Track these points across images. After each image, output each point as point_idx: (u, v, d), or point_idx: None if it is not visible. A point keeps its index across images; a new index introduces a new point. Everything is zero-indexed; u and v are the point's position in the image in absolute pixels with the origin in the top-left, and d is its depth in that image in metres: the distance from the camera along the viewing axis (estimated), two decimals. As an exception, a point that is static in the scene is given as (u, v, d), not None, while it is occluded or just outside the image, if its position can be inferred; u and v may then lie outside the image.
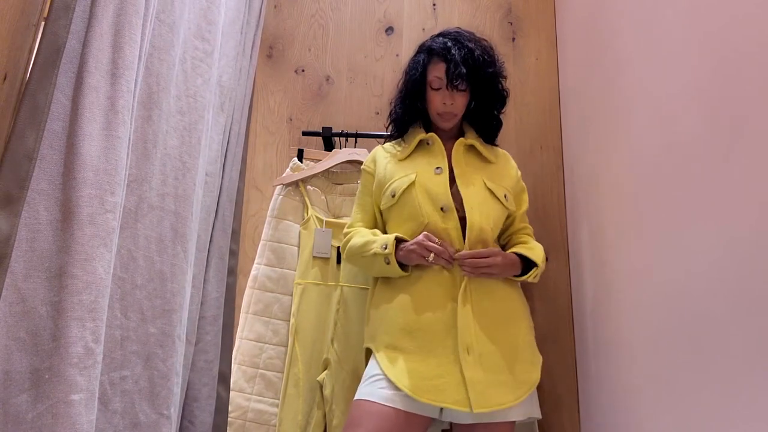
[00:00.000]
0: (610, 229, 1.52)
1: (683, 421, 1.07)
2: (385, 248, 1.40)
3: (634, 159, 1.36)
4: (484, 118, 1.59)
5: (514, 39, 2.11)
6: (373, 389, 1.30)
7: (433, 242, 1.37)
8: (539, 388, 1.75)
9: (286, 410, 1.59)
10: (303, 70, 2.08)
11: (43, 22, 0.99)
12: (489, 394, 1.25)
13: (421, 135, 1.56)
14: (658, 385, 1.18)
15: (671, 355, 1.13)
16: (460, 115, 1.55)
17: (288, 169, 1.87)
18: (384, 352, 1.35)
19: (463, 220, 1.42)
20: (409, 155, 1.55)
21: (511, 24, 2.13)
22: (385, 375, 1.30)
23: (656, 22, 1.27)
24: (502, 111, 1.61)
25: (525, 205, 1.62)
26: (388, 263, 1.40)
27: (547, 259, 1.89)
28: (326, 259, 1.73)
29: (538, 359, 1.40)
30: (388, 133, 1.65)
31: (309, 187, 1.82)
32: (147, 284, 1.14)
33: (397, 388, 1.27)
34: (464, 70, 1.46)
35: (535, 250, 1.48)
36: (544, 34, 2.11)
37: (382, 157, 1.59)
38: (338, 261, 1.71)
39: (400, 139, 1.61)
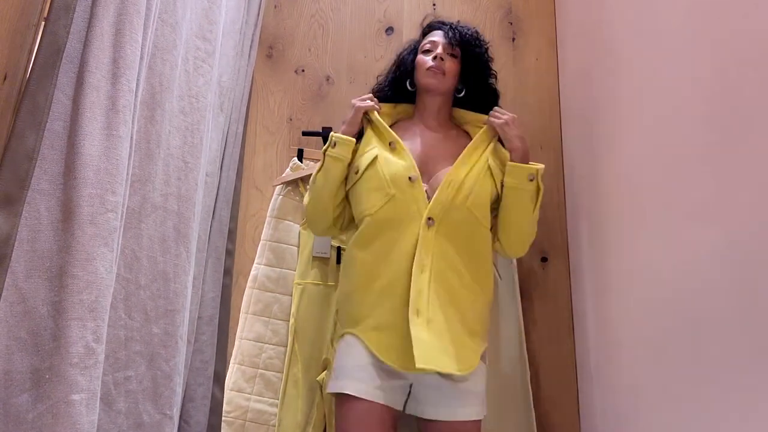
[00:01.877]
0: (610, 229, 1.52)
1: (683, 421, 1.07)
2: (332, 144, 1.47)
3: (634, 159, 1.36)
4: (476, 107, 1.57)
5: (514, 39, 2.11)
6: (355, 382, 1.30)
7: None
8: (539, 388, 1.76)
9: (285, 410, 1.59)
10: (303, 70, 2.08)
11: (43, 22, 0.99)
12: (433, 355, 1.24)
13: (403, 116, 1.57)
14: (658, 385, 1.18)
15: (671, 355, 1.13)
16: (450, 79, 1.51)
17: (288, 169, 1.87)
18: (357, 331, 1.34)
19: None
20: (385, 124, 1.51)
21: (511, 24, 2.13)
22: (367, 350, 1.30)
23: (656, 22, 1.27)
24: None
25: None
26: (334, 145, 1.45)
27: (546, 259, 1.89)
28: (326, 259, 1.73)
29: (481, 348, 1.37)
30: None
31: (308, 186, 1.82)
32: (151, 284, 1.14)
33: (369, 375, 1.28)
34: (463, 33, 1.52)
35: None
36: (544, 34, 2.11)
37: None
38: (338, 261, 1.71)
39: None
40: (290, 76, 2.07)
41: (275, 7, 2.14)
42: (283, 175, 1.85)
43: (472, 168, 1.42)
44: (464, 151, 1.44)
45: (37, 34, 1.02)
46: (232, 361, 1.67)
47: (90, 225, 0.91)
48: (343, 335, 1.38)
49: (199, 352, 1.40)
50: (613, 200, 1.50)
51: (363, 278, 1.37)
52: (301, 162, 1.86)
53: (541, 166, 1.44)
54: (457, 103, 1.58)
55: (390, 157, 1.42)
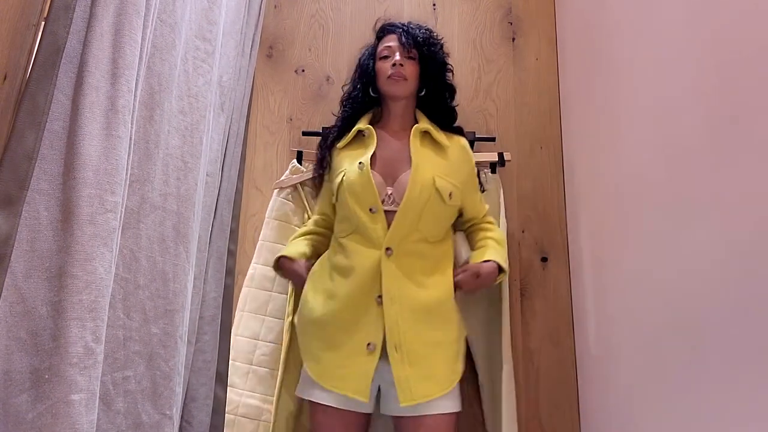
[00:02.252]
0: (610, 229, 1.52)
1: (683, 421, 1.07)
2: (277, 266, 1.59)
3: (634, 159, 1.36)
4: (437, 104, 1.60)
5: (514, 39, 2.11)
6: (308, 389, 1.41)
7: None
8: (539, 388, 1.76)
9: (280, 410, 1.60)
10: (303, 70, 2.08)
11: (43, 22, 0.99)
12: (416, 389, 1.30)
13: (362, 125, 1.56)
14: (657, 385, 1.18)
15: (671, 356, 1.13)
16: (411, 83, 1.54)
17: (287, 171, 1.87)
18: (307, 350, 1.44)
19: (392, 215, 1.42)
20: (346, 144, 1.57)
21: (511, 24, 2.13)
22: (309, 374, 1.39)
23: (656, 22, 1.27)
24: (453, 103, 1.63)
25: (477, 194, 1.62)
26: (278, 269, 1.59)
27: (546, 259, 1.89)
28: None
29: (461, 353, 1.44)
30: (338, 119, 1.65)
31: (307, 188, 1.83)
32: (149, 284, 1.14)
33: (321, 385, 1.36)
34: (416, 35, 1.54)
35: (502, 253, 1.52)
36: (544, 34, 2.11)
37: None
38: None
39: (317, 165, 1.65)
40: (290, 76, 2.07)
41: (275, 7, 2.14)
42: (282, 178, 1.86)
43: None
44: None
45: (37, 34, 1.02)
46: None
47: (89, 225, 0.91)
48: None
49: (201, 352, 1.40)
50: (613, 200, 1.50)
51: (315, 307, 1.44)
52: (301, 164, 1.87)
53: (503, 277, 1.54)
54: (419, 101, 1.61)
55: (353, 183, 1.46)
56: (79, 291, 0.88)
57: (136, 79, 1.04)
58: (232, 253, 1.59)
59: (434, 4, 2.15)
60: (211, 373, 1.43)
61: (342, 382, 1.32)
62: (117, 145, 0.97)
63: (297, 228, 1.81)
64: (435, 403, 1.32)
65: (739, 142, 0.93)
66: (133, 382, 1.08)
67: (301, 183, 1.83)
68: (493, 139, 1.92)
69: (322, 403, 1.35)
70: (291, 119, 2.03)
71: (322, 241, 1.62)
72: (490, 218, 1.65)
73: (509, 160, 1.86)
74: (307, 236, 1.62)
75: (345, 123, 1.60)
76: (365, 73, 1.60)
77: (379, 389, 1.40)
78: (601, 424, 1.54)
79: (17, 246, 0.86)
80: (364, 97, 1.60)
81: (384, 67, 1.54)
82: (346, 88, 1.67)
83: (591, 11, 1.74)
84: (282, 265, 1.56)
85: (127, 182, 1.04)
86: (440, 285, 1.43)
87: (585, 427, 1.68)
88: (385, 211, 1.42)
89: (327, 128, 1.88)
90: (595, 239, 1.63)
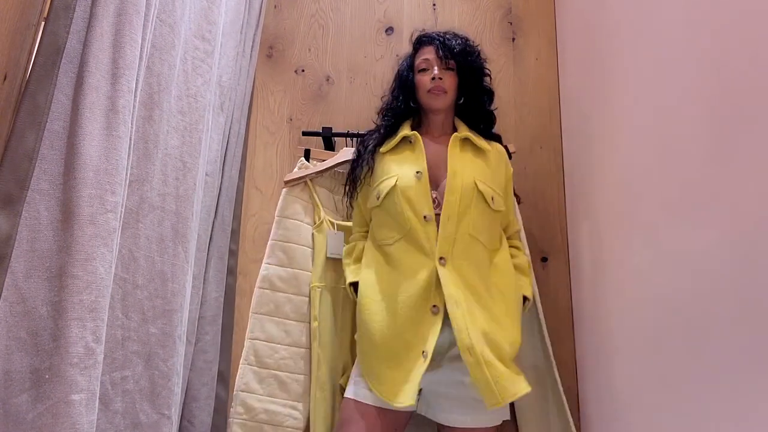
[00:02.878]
0: (610, 229, 1.52)
1: (683, 421, 1.07)
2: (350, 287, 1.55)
3: (634, 159, 1.36)
4: (475, 110, 1.60)
5: (514, 39, 2.11)
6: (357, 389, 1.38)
7: None
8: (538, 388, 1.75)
9: (316, 414, 1.57)
10: (303, 70, 2.08)
11: (43, 22, 0.99)
12: (505, 389, 1.27)
13: (406, 131, 1.55)
14: (658, 386, 1.18)
15: (671, 356, 1.13)
16: (451, 94, 1.55)
17: (296, 169, 1.86)
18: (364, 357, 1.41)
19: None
20: (391, 149, 1.55)
21: (511, 24, 2.13)
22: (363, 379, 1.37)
23: (656, 21, 1.27)
24: (493, 107, 1.63)
25: (512, 204, 1.62)
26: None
27: (546, 259, 1.89)
28: (341, 261, 1.72)
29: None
30: (380, 126, 1.62)
31: (318, 187, 1.81)
32: (148, 284, 1.14)
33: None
34: (453, 47, 1.54)
35: (526, 281, 1.52)
36: (544, 34, 2.11)
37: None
38: None
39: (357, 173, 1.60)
40: (290, 76, 2.07)
41: (275, 7, 2.14)
42: (294, 171, 1.84)
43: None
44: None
45: (37, 34, 1.02)
46: (242, 362, 1.65)
47: (90, 225, 0.91)
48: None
49: (202, 352, 1.40)
50: (612, 200, 1.50)
51: (368, 320, 1.42)
52: (308, 162, 1.85)
53: (528, 305, 1.51)
54: (458, 108, 1.62)
55: (408, 190, 1.45)
56: (80, 291, 0.88)
57: (136, 79, 1.04)
58: (233, 253, 1.59)
59: (434, 4, 2.15)
60: (213, 373, 1.43)
61: (403, 396, 1.30)
62: (117, 145, 0.97)
63: (309, 226, 1.79)
64: (475, 416, 1.33)
65: (739, 142, 0.93)
66: (132, 382, 1.08)
67: (311, 180, 1.81)
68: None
69: (371, 403, 1.34)
70: (291, 119, 2.02)
71: None
72: (518, 241, 1.62)
73: (514, 152, 1.84)
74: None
75: (387, 131, 1.59)
76: (405, 85, 1.59)
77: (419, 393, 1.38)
78: (601, 425, 1.54)
79: (17, 246, 0.86)
80: (405, 108, 1.59)
81: (423, 81, 1.54)
82: (385, 99, 1.66)
83: (591, 11, 1.74)
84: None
85: (126, 182, 1.04)
86: (503, 291, 1.42)
87: (585, 427, 1.67)
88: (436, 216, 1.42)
89: (327, 128, 1.88)
90: (595, 239, 1.63)
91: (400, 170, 1.48)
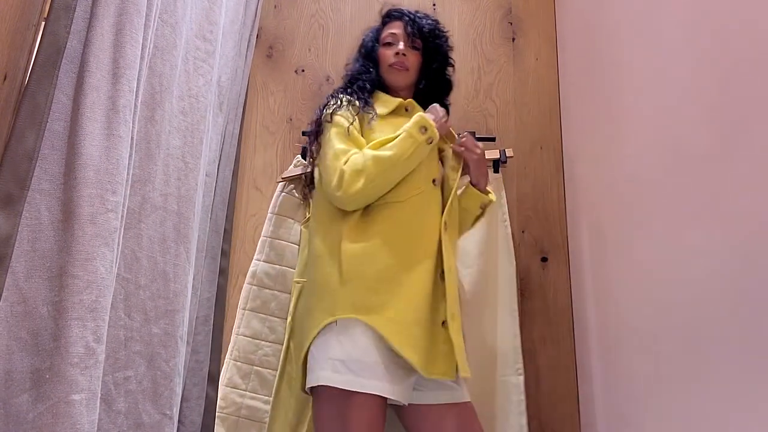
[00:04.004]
0: (610, 229, 1.52)
1: (683, 421, 1.07)
2: (425, 130, 1.33)
3: (634, 159, 1.36)
4: (432, 99, 1.53)
5: (514, 39, 2.11)
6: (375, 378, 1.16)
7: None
8: (539, 388, 1.76)
9: (277, 409, 1.56)
10: (303, 70, 2.08)
11: (43, 22, 0.99)
12: (464, 362, 1.24)
13: (399, 100, 1.46)
14: (657, 385, 1.18)
15: (671, 356, 1.13)
16: (412, 73, 1.49)
17: (291, 166, 1.87)
18: (381, 321, 1.18)
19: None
20: (386, 116, 1.44)
21: (511, 24, 2.13)
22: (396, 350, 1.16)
23: (656, 21, 1.27)
24: (448, 100, 1.59)
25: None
26: (430, 143, 1.34)
27: (546, 259, 1.89)
28: None
29: None
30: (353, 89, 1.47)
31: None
32: (150, 284, 1.14)
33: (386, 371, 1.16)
34: (422, 26, 1.50)
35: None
36: (544, 34, 2.11)
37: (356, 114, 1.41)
38: None
39: (358, 104, 1.42)
40: (290, 76, 2.07)
41: (275, 7, 2.14)
42: (290, 168, 1.84)
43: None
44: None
45: (37, 34, 1.02)
46: (227, 356, 1.66)
47: (90, 225, 0.91)
48: (336, 321, 1.19)
49: (195, 352, 1.40)
50: (613, 200, 1.50)
51: (382, 263, 1.24)
52: (305, 160, 1.86)
53: (493, 198, 1.50)
54: (416, 92, 1.55)
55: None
56: (80, 291, 0.88)
57: (138, 79, 1.04)
58: (225, 254, 1.59)
59: (434, 4, 2.15)
60: (204, 373, 1.43)
61: (434, 366, 1.19)
62: (118, 144, 0.97)
63: (299, 224, 1.78)
64: (463, 392, 1.28)
65: (739, 142, 0.93)
66: (134, 382, 1.08)
67: (306, 176, 1.81)
68: (493, 139, 1.92)
69: (382, 395, 1.15)
70: (291, 119, 2.02)
71: None
72: None
73: (511, 156, 1.84)
74: None
75: (366, 94, 1.46)
76: (369, 56, 1.54)
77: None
78: (601, 424, 1.54)
79: (18, 246, 0.86)
80: (376, 77, 1.51)
81: (387, 54, 1.49)
82: (349, 67, 1.59)
83: (591, 11, 1.74)
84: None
85: (129, 182, 1.04)
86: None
87: (585, 427, 1.68)
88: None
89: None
90: (595, 239, 1.63)
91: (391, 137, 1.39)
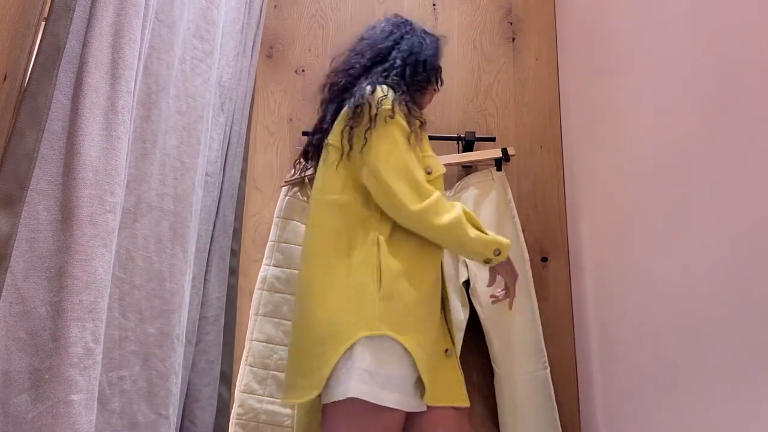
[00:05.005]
0: (610, 229, 1.52)
1: (683, 421, 1.07)
2: (498, 254, 1.30)
3: (634, 159, 1.36)
4: None
5: (514, 39, 2.11)
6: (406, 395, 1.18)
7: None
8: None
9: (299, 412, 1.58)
10: (303, 70, 2.08)
11: (43, 22, 0.99)
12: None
13: (422, 116, 1.39)
14: (657, 385, 1.18)
15: (671, 355, 1.13)
16: None
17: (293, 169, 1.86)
18: (417, 350, 1.18)
19: None
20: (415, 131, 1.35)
21: (511, 24, 2.13)
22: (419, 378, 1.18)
23: (656, 21, 1.27)
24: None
25: None
26: (485, 262, 1.32)
27: (546, 259, 1.89)
28: None
29: None
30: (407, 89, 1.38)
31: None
32: (145, 284, 1.14)
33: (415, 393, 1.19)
34: None
35: None
36: (544, 34, 2.11)
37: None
38: None
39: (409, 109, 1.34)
40: (290, 76, 2.07)
41: (275, 7, 2.14)
42: (292, 172, 1.84)
43: None
44: None
45: (37, 34, 1.02)
46: (242, 362, 1.66)
47: (89, 225, 0.91)
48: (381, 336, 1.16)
49: (204, 353, 1.40)
50: (613, 200, 1.50)
51: (421, 286, 1.24)
52: (306, 161, 1.85)
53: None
54: None
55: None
56: (79, 291, 0.88)
57: (134, 79, 1.04)
58: (235, 253, 1.59)
59: (434, 4, 2.15)
60: (215, 373, 1.43)
61: (435, 396, 1.21)
62: (116, 145, 0.97)
63: (305, 225, 1.78)
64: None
65: (738, 142, 0.93)
66: (129, 382, 1.08)
67: (309, 179, 1.81)
68: (493, 139, 1.91)
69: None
70: (291, 119, 2.02)
71: None
72: None
73: (513, 155, 1.84)
74: None
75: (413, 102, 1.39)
76: (430, 68, 1.45)
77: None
78: (601, 424, 1.54)
79: (17, 246, 0.86)
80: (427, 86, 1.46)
81: (430, 100, 1.53)
82: (411, 59, 1.42)
83: (591, 11, 1.74)
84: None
85: (124, 182, 1.04)
86: None
87: (585, 427, 1.67)
88: None
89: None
90: (595, 239, 1.63)
91: (433, 157, 1.37)
